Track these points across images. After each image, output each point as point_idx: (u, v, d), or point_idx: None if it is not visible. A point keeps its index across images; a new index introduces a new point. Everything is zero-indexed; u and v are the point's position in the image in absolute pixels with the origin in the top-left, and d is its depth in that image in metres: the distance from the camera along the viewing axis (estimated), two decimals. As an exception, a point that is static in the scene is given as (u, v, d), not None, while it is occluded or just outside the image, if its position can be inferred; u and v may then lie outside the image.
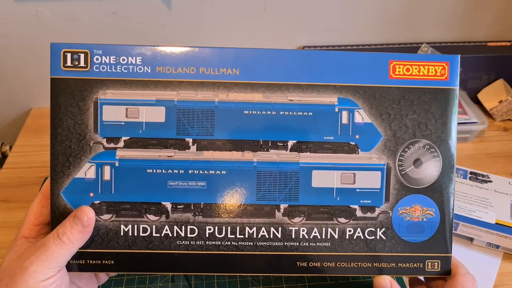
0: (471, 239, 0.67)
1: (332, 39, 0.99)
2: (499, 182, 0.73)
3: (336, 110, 0.49)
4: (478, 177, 0.73)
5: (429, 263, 0.50)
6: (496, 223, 0.65)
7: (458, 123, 0.85)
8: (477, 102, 0.97)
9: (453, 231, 0.65)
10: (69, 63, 0.48)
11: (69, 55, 0.48)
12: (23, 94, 0.98)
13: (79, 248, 0.47)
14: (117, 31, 0.91)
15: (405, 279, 0.61)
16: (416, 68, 0.50)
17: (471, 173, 0.75)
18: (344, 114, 0.49)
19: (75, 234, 0.45)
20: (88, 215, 0.46)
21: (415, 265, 0.50)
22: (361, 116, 0.49)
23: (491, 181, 0.73)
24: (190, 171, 0.49)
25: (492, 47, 0.97)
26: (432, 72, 0.50)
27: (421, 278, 0.56)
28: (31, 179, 0.80)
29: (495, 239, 0.65)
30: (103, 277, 0.55)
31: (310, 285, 0.60)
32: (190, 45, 0.49)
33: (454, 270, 0.49)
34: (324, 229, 0.49)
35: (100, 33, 0.91)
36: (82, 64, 0.48)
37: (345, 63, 0.49)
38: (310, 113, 0.49)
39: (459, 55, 0.50)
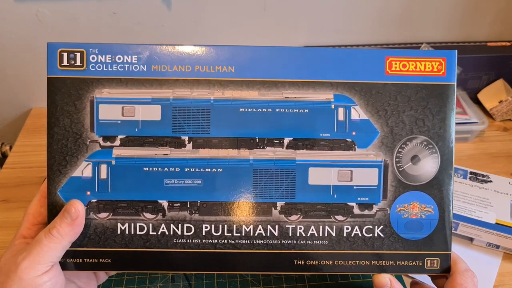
0: (471, 239, 0.67)
1: (332, 39, 0.99)
2: (499, 182, 0.73)
3: (332, 107, 0.49)
4: (478, 177, 0.73)
5: (428, 261, 0.50)
6: (496, 223, 0.65)
7: (458, 123, 0.85)
8: (477, 102, 0.97)
9: (453, 231, 0.65)
10: (65, 62, 0.48)
11: (65, 55, 0.48)
12: (23, 94, 0.98)
13: (76, 247, 0.47)
14: (117, 31, 0.91)
15: (405, 279, 0.61)
16: (412, 64, 0.49)
17: (471, 173, 0.74)
18: (341, 110, 0.49)
19: (64, 227, 0.45)
20: (76, 207, 0.46)
21: (414, 262, 0.50)
22: (358, 113, 0.49)
23: (491, 181, 0.73)
24: (186, 169, 0.49)
25: (492, 47, 0.97)
26: (428, 68, 0.49)
27: (420, 279, 0.56)
28: (31, 179, 0.80)
29: (495, 239, 0.65)
30: (103, 276, 0.54)
31: (310, 285, 0.60)
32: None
33: (453, 267, 0.49)
34: (321, 227, 0.49)
35: (100, 33, 0.91)
36: (78, 63, 0.48)
37: (341, 60, 0.49)
38: (306, 110, 0.49)
39: (456, 51, 0.50)
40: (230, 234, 0.49)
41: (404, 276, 0.61)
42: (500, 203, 0.68)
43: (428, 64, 0.49)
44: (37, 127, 0.95)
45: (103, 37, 0.91)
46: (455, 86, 0.50)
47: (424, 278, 0.54)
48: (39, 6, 0.87)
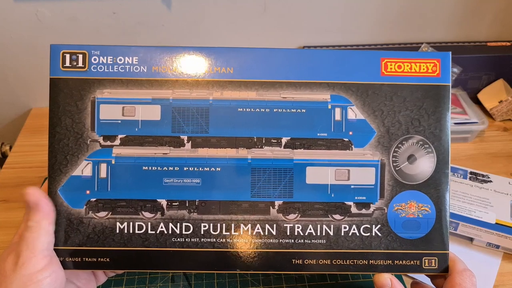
0: (471, 239, 0.67)
1: (331, 39, 0.99)
2: (499, 182, 0.73)
3: (329, 107, 0.50)
4: (478, 177, 0.73)
5: (426, 260, 0.50)
6: (496, 223, 0.65)
7: (458, 123, 0.85)
8: (477, 102, 0.97)
9: (453, 231, 0.65)
10: (67, 64, 0.49)
11: (67, 56, 0.49)
12: (23, 94, 0.98)
13: (75, 246, 0.48)
14: (117, 31, 0.91)
15: (405, 279, 0.61)
16: (407, 65, 0.50)
17: (471, 173, 0.74)
18: (337, 111, 0.50)
19: (33, 215, 0.45)
20: (28, 194, 0.46)
21: (412, 262, 0.50)
22: (354, 113, 0.50)
23: (491, 181, 0.73)
24: (185, 168, 0.49)
25: (492, 47, 0.97)
26: (423, 69, 0.50)
27: (420, 279, 0.56)
28: (31, 179, 0.80)
29: (495, 239, 0.65)
30: (102, 277, 0.55)
31: (310, 285, 0.60)
32: (190, 45, 0.50)
33: (452, 267, 0.49)
34: (319, 226, 0.50)
35: (99, 33, 0.91)
36: (80, 64, 0.49)
37: (337, 61, 0.50)
38: (304, 110, 0.50)
39: (450, 52, 0.50)
40: (228, 233, 0.49)
41: (404, 276, 0.61)
42: (500, 203, 0.68)
43: (423, 65, 0.50)
44: (37, 127, 0.95)
45: (103, 37, 0.92)
46: (450, 87, 0.50)
47: (425, 279, 0.54)
48: (39, 6, 0.87)
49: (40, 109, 1.00)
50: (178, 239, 0.49)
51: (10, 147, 0.93)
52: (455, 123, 0.87)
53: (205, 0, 0.91)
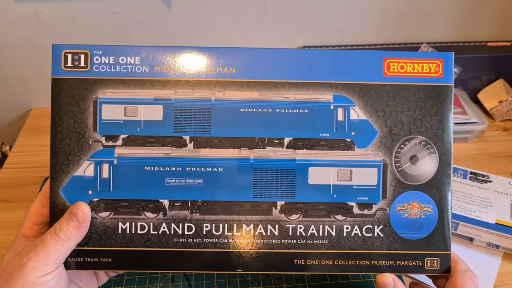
0: (471, 239, 0.67)
1: (332, 39, 0.99)
2: (499, 182, 0.73)
3: (332, 107, 0.50)
4: (478, 177, 0.73)
5: (428, 261, 0.50)
6: (496, 223, 0.65)
7: (458, 123, 0.85)
8: (477, 102, 0.97)
9: (453, 231, 0.65)
10: (69, 64, 0.49)
11: (69, 56, 0.49)
12: (23, 94, 0.99)
13: (77, 246, 0.48)
14: (117, 31, 0.91)
15: (405, 279, 0.61)
16: (410, 66, 0.50)
17: (471, 173, 0.74)
18: (340, 111, 0.50)
19: (71, 230, 0.45)
20: (83, 210, 0.46)
21: (414, 263, 0.50)
22: (357, 113, 0.50)
23: (491, 181, 0.73)
24: (187, 169, 0.49)
25: (492, 47, 0.97)
26: (426, 70, 0.50)
27: (420, 279, 0.56)
28: (31, 179, 0.80)
29: (495, 239, 0.65)
30: (103, 277, 0.55)
31: (310, 285, 0.60)
32: (190, 45, 0.50)
33: (453, 268, 0.49)
34: (321, 226, 0.50)
35: (100, 33, 0.91)
36: (82, 64, 0.49)
37: (340, 61, 0.50)
38: (306, 111, 0.50)
39: (453, 53, 0.50)
40: (230, 234, 0.49)
41: (405, 276, 0.61)
42: (500, 203, 0.68)
43: (426, 66, 0.50)
44: (37, 127, 0.95)
45: (103, 37, 0.92)
46: (453, 87, 0.50)
47: (424, 279, 0.54)
48: (39, 6, 0.87)
49: (40, 109, 1.00)
50: (180, 240, 0.49)
51: (10, 147, 0.93)
52: (455, 123, 0.87)
53: (205, 0, 0.91)
